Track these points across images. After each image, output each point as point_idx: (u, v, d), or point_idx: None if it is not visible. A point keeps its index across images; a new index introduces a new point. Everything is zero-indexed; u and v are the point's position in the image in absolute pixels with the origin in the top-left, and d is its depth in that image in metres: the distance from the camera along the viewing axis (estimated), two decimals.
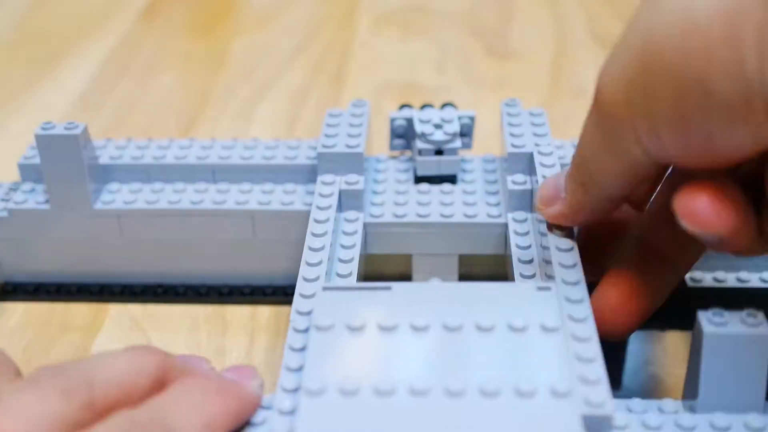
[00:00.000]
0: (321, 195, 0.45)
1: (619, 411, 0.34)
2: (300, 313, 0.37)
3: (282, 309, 0.48)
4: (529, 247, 0.43)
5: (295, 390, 0.33)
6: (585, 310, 0.35)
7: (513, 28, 0.82)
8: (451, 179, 0.49)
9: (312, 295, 0.37)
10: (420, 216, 0.46)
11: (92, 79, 0.74)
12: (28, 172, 0.50)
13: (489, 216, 0.46)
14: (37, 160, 0.49)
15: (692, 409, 0.34)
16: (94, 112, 0.69)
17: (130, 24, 0.83)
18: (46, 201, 0.48)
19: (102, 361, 0.33)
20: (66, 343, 0.47)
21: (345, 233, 0.44)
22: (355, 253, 0.43)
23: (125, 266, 0.49)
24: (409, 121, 0.50)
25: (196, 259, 0.49)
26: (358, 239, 0.44)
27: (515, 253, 0.43)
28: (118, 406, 0.31)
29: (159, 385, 0.33)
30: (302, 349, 0.35)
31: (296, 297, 0.38)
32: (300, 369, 0.33)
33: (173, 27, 0.84)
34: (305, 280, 0.39)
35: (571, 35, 0.80)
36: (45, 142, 0.46)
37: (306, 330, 0.35)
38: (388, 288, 0.36)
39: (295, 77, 0.74)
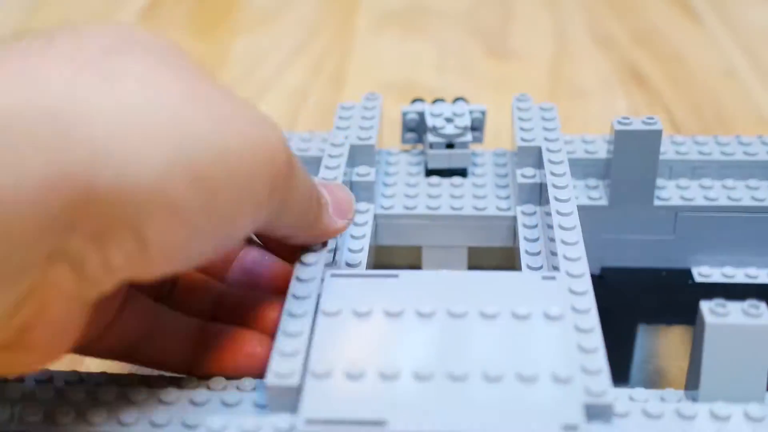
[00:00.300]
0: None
1: (622, 399, 0.35)
2: (296, 297, 0.36)
3: None
4: (537, 239, 0.43)
5: (288, 375, 0.32)
6: (588, 301, 0.35)
7: (513, 28, 0.82)
8: (462, 172, 0.49)
9: (310, 280, 0.37)
10: (430, 208, 0.47)
11: None
12: None
13: (498, 209, 0.46)
14: None
15: (694, 399, 0.34)
16: None
17: (130, 24, 0.84)
18: None
19: None
20: None
21: (355, 224, 0.45)
22: (365, 243, 0.44)
23: None
24: (421, 114, 0.50)
25: None
26: (368, 230, 0.44)
27: (523, 245, 0.43)
28: None
29: None
30: (298, 334, 0.34)
31: (293, 281, 0.37)
32: (293, 354, 0.33)
33: (173, 27, 0.84)
34: (303, 264, 0.38)
35: (571, 35, 0.80)
36: None
37: (302, 315, 0.35)
38: (395, 276, 0.37)
39: (295, 77, 0.74)
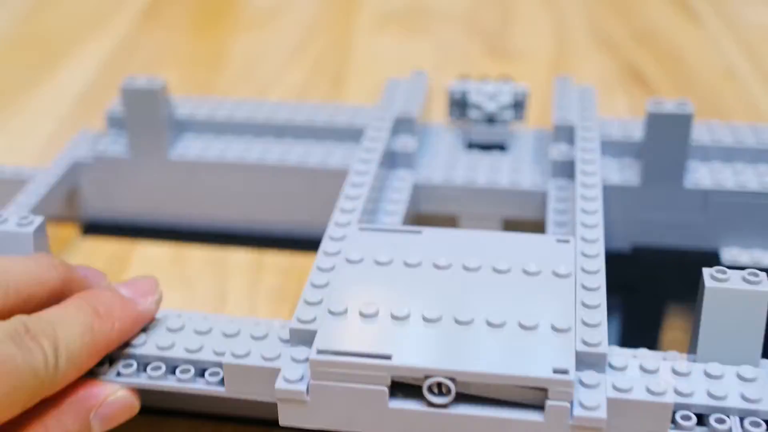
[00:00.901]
0: (365, 150, 0.47)
1: (624, 356, 0.36)
2: (326, 253, 0.39)
3: None
4: (566, 211, 0.45)
5: (310, 321, 0.35)
6: (598, 263, 0.37)
7: (513, 28, 0.82)
8: (501, 147, 0.52)
9: (341, 238, 0.40)
10: (468, 180, 0.49)
11: (93, 79, 0.75)
12: (114, 123, 0.54)
13: (533, 183, 0.49)
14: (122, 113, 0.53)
15: (692, 361, 0.36)
16: (94, 111, 0.68)
17: (130, 24, 0.85)
18: (128, 150, 0.52)
19: (5, 266, 0.34)
20: None
21: (394, 190, 0.47)
22: (401, 208, 0.46)
23: (195, 212, 0.53)
24: (466, 91, 0.53)
25: (261, 209, 0.53)
26: (405, 196, 0.47)
27: (551, 216, 0.45)
28: (15, 312, 0.33)
29: (58, 296, 0.35)
30: (323, 285, 0.37)
31: (325, 238, 0.40)
32: (317, 303, 0.36)
33: (173, 27, 0.85)
34: (337, 224, 0.41)
35: (571, 35, 0.81)
36: (129, 96, 0.50)
37: (329, 269, 0.38)
38: (419, 232, 0.39)
39: (295, 77, 0.75)
